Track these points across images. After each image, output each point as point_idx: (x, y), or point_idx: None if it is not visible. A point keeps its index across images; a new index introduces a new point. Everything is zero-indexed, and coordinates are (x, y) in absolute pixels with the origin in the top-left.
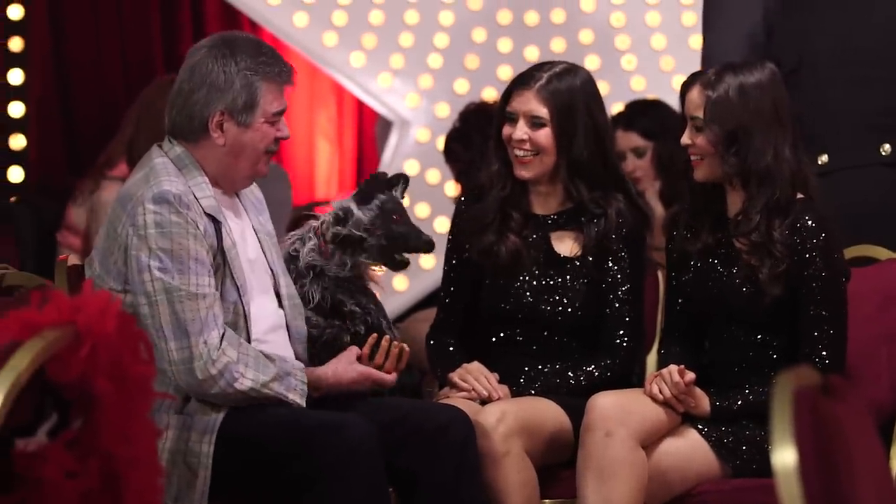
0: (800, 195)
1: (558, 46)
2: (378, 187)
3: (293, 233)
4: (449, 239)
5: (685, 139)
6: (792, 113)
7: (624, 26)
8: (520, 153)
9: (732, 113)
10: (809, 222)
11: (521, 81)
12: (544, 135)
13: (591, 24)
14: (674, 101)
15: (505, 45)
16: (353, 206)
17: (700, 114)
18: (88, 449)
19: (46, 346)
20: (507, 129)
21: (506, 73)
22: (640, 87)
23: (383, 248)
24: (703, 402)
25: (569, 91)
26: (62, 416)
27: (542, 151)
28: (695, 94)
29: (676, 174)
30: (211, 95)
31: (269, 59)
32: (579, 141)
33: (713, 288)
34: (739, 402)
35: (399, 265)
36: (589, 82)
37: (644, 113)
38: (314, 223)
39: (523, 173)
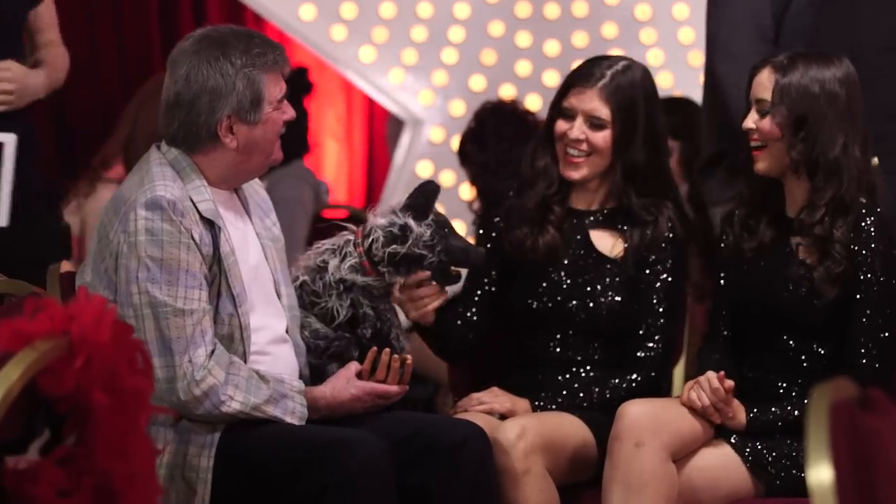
0: (862, 199)
1: (580, 41)
2: (432, 199)
3: (322, 242)
4: (479, 234)
5: (748, 123)
6: (863, 116)
7: (650, 19)
8: (573, 152)
9: (804, 96)
10: (872, 226)
11: (582, 78)
12: (603, 137)
13: (614, 17)
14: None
15: (523, 39)
16: (411, 222)
17: (767, 96)
18: (83, 466)
19: (38, 358)
20: (561, 125)
21: (524, 69)
22: (668, 84)
23: (442, 263)
24: (740, 413)
25: (631, 90)
26: (55, 431)
27: (595, 153)
28: (764, 76)
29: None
30: (215, 103)
31: (261, 49)
32: (637, 143)
33: (766, 288)
34: (778, 414)
35: (454, 280)
36: (648, 79)
37: (670, 111)
38: (350, 237)
39: (572, 174)
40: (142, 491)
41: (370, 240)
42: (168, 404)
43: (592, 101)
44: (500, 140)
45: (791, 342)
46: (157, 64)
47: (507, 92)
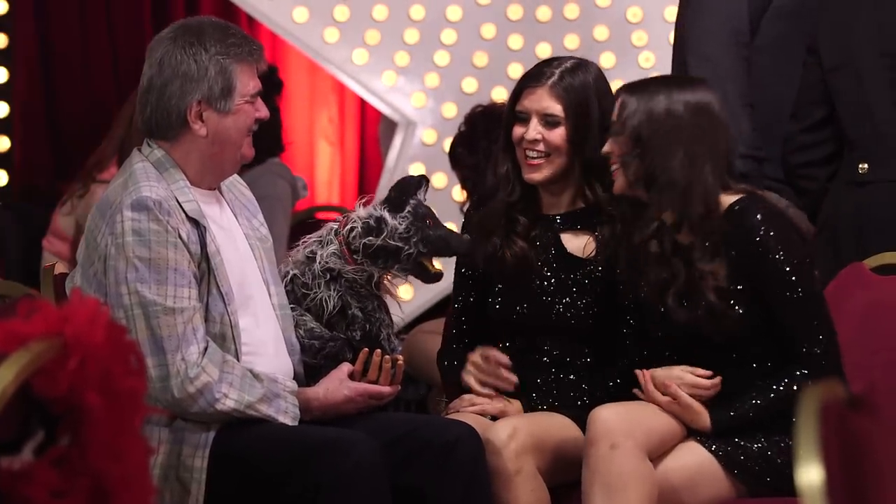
0: (740, 196)
1: (572, 43)
2: (408, 192)
3: (309, 236)
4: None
5: (605, 147)
6: (724, 145)
7: (641, 21)
8: (531, 154)
9: (642, 115)
10: (758, 221)
11: (532, 79)
12: (558, 135)
13: (606, 20)
14: None
15: (515, 41)
16: (387, 215)
17: (615, 116)
18: (77, 467)
19: (33, 359)
20: (517, 130)
21: (516, 71)
22: None
23: (420, 255)
24: (703, 416)
25: (582, 87)
26: (49, 432)
27: (553, 152)
28: (619, 100)
29: None
30: (186, 87)
31: (238, 41)
32: (593, 139)
33: (677, 321)
34: (738, 412)
35: (434, 278)
36: (600, 78)
37: None
38: (333, 225)
39: (534, 176)
40: (136, 491)
41: (348, 228)
42: (162, 403)
43: (543, 100)
44: (490, 143)
45: (721, 360)
46: None
47: (499, 94)
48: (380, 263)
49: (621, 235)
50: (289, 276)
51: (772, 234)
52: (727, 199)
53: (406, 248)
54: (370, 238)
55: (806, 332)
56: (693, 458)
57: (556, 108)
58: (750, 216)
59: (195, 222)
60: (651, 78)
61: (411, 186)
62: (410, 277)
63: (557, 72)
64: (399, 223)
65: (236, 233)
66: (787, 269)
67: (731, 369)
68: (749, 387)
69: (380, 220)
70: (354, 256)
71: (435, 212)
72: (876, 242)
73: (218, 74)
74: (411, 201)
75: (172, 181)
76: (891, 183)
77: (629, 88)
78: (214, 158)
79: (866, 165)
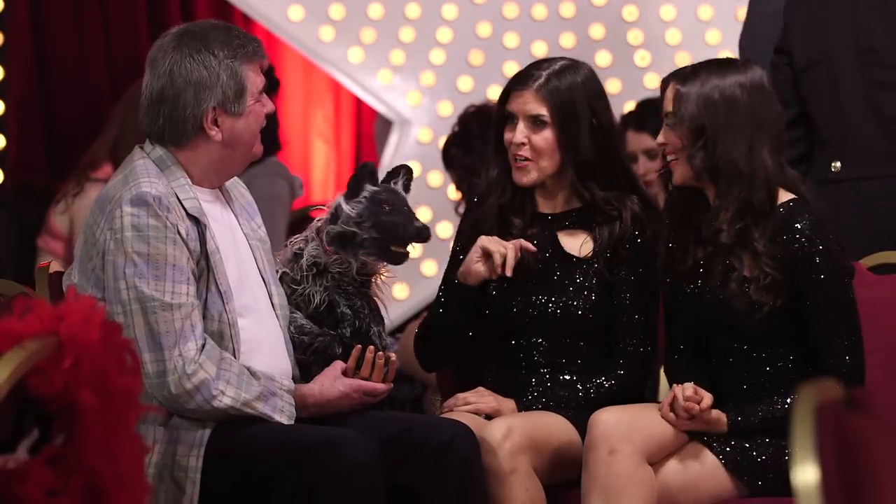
0: (791, 196)
1: (567, 41)
2: (360, 179)
3: (297, 236)
4: (454, 249)
5: (658, 138)
6: (778, 121)
7: (637, 20)
8: (519, 157)
9: (701, 104)
10: (804, 226)
11: (519, 81)
12: (544, 137)
13: (602, 18)
14: None
15: (511, 40)
16: (342, 202)
17: (671, 108)
18: (72, 465)
19: (27, 358)
20: (507, 134)
21: (512, 70)
22: (654, 85)
23: (376, 240)
24: (720, 424)
25: (569, 89)
26: (44, 431)
27: (541, 155)
28: (668, 89)
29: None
30: (200, 94)
31: (242, 41)
32: (584, 141)
33: (710, 307)
34: (760, 415)
35: (396, 258)
36: (591, 79)
37: (657, 112)
38: (316, 224)
39: (522, 179)
40: (130, 490)
41: (322, 220)
42: (159, 399)
43: (529, 103)
44: (485, 143)
45: (748, 353)
46: (144, 65)
47: (494, 93)
48: (349, 250)
49: (672, 225)
50: (278, 275)
51: (817, 244)
52: (781, 195)
53: (360, 232)
54: (332, 226)
55: (835, 346)
56: (695, 461)
57: (542, 111)
58: (796, 221)
59: (195, 220)
60: (698, 64)
61: (367, 174)
62: (405, 276)
63: (544, 74)
64: (352, 209)
65: (237, 232)
66: (826, 282)
67: (761, 369)
68: (767, 389)
69: (338, 208)
70: (329, 248)
71: (431, 209)
72: (850, 241)
73: (230, 78)
74: (370, 187)
75: (173, 178)
76: (866, 181)
77: (679, 78)
78: (226, 161)
79: (839, 164)
